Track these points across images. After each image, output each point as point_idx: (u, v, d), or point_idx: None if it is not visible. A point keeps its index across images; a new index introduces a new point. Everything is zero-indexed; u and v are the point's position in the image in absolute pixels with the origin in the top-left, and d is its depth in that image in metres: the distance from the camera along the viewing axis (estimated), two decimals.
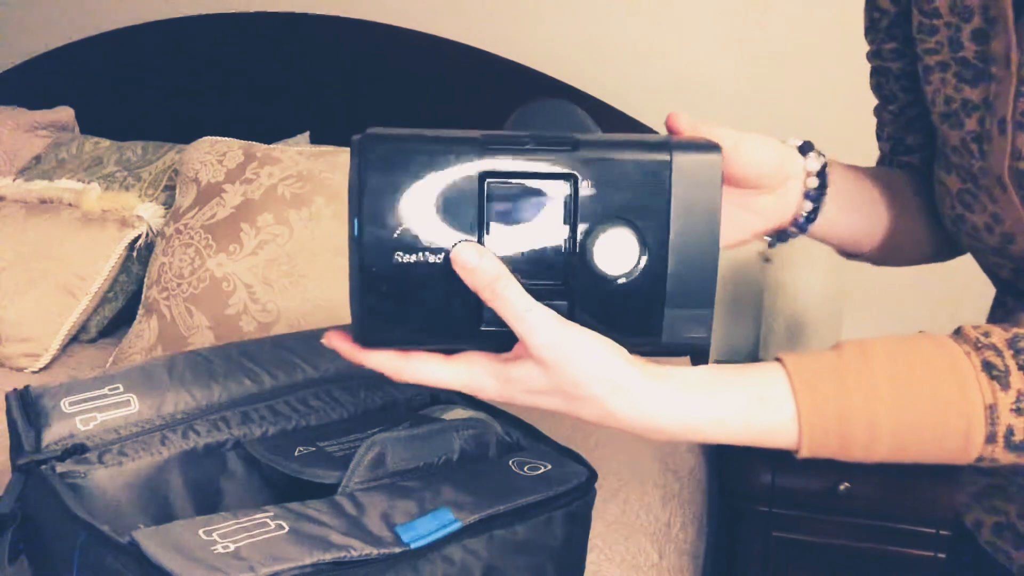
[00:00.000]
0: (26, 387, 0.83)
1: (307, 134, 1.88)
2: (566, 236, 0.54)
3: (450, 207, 0.53)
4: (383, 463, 0.76)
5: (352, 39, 1.93)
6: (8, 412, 0.82)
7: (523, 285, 0.53)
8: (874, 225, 0.78)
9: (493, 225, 0.53)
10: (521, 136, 0.54)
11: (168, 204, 1.70)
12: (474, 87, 1.85)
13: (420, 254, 0.53)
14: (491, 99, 1.83)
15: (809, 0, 1.71)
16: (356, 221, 0.52)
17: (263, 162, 1.59)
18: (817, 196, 0.71)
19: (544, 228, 0.54)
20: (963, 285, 1.72)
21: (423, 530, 0.69)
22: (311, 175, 1.55)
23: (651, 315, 0.55)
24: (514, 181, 0.53)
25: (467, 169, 0.53)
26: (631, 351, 0.56)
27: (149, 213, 1.67)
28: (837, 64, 1.70)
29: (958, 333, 0.57)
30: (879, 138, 0.85)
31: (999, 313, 0.76)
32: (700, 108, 1.77)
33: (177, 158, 1.76)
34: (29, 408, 0.81)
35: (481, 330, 0.55)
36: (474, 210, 0.53)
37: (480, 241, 0.53)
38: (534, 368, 0.54)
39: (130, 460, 0.79)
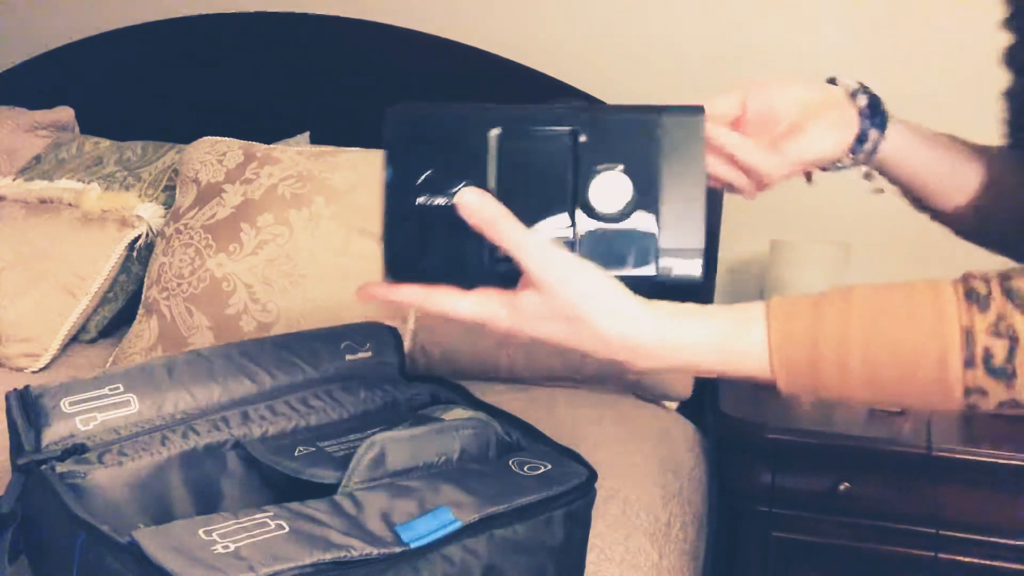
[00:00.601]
0: (26, 387, 0.83)
1: (307, 134, 1.88)
2: (568, 183, 0.61)
3: (466, 158, 0.61)
4: (383, 463, 0.76)
5: (352, 39, 1.93)
6: (8, 412, 0.82)
7: (530, 227, 0.60)
8: (958, 178, 0.79)
9: (503, 174, 0.61)
10: (530, 105, 0.64)
11: (168, 204, 1.70)
12: (474, 87, 1.85)
13: (439, 197, 0.61)
14: (491, 99, 1.83)
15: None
16: (388, 169, 0.61)
17: (263, 162, 1.59)
18: (872, 115, 0.75)
19: (549, 176, 0.61)
20: None
21: (423, 530, 0.69)
22: (311, 175, 1.55)
23: (646, 252, 0.61)
24: (522, 138, 0.62)
25: (481, 126, 0.62)
26: (628, 288, 0.60)
27: (149, 213, 1.67)
28: (835, 66, 1.70)
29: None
30: (1007, 124, 0.82)
31: None
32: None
33: (177, 158, 1.76)
34: (29, 408, 0.81)
35: (491, 265, 0.61)
36: (486, 160, 0.61)
37: (490, 187, 0.61)
38: (535, 295, 0.59)
39: (130, 460, 0.79)
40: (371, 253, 1.49)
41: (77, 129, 2.09)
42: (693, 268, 0.61)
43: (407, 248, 0.61)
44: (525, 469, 0.79)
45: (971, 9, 1.63)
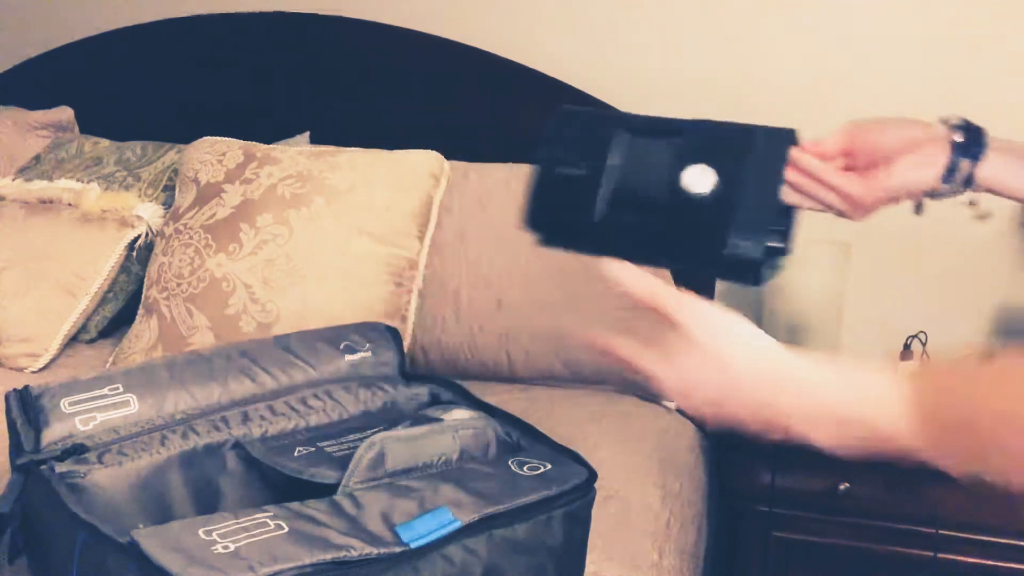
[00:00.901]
0: (26, 387, 0.83)
1: (307, 134, 1.87)
2: (668, 169, 0.74)
3: (599, 144, 0.77)
4: (383, 463, 0.76)
5: (352, 39, 1.93)
6: (8, 412, 0.82)
7: (633, 196, 0.75)
8: None
9: (625, 158, 0.77)
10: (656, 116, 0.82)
11: (168, 204, 1.70)
12: (474, 87, 1.85)
13: (573, 167, 0.77)
14: (491, 99, 1.83)
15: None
16: (543, 145, 0.80)
17: (263, 162, 1.59)
18: (966, 147, 0.82)
19: (655, 163, 0.75)
20: (964, 286, 1.72)
21: (423, 529, 0.69)
22: (311, 175, 1.55)
23: (719, 232, 0.72)
24: (641, 135, 0.78)
25: (614, 125, 0.79)
26: (701, 263, 0.77)
27: (149, 213, 1.67)
28: (824, 65, 1.70)
29: None
30: None
31: None
32: (697, 106, 1.77)
33: (177, 158, 1.75)
34: (29, 408, 0.81)
35: (609, 215, 0.76)
36: (606, 148, 0.77)
37: (612, 164, 0.77)
38: (689, 349, 0.66)
39: (130, 460, 0.79)
40: (371, 253, 1.49)
41: (77, 129, 2.09)
42: (757, 253, 0.71)
43: (546, 205, 0.79)
44: (525, 469, 0.79)
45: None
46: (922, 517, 1.33)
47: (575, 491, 0.78)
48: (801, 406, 0.63)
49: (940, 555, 1.33)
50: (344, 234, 1.49)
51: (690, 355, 0.66)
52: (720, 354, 0.65)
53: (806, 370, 0.63)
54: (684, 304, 0.67)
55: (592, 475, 0.81)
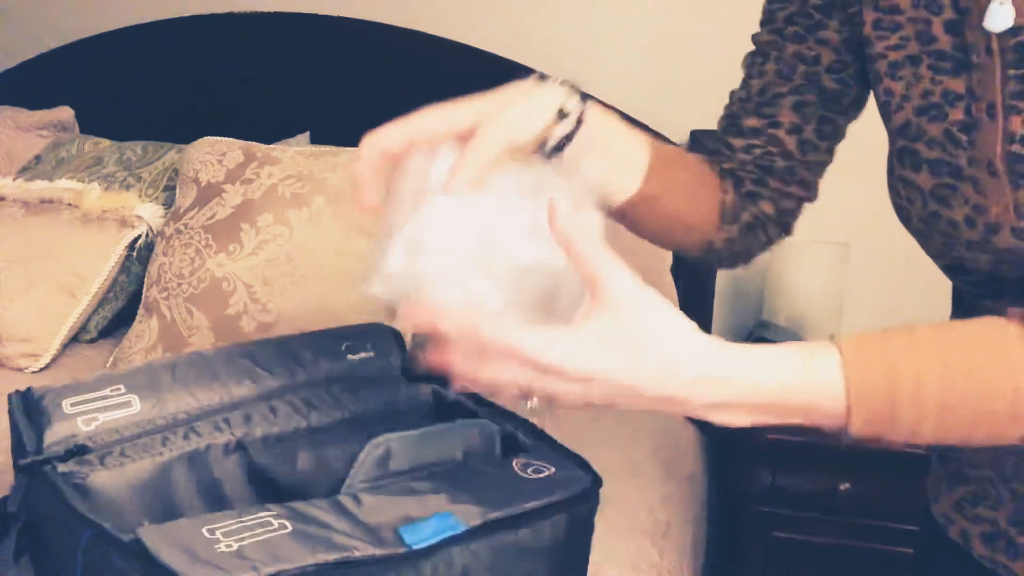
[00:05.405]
0: (28, 388, 0.82)
1: (307, 134, 1.88)
2: None
3: None
4: (387, 463, 0.76)
5: (352, 39, 1.93)
6: (10, 413, 0.82)
7: None
8: (625, 180, 0.80)
9: None
10: None
11: (168, 204, 1.70)
12: (474, 87, 1.84)
13: None
14: None
15: None
16: None
17: (263, 162, 1.59)
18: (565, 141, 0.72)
19: None
20: None
21: (426, 532, 0.69)
22: (311, 175, 1.55)
23: None
24: None
25: None
26: None
27: (149, 213, 1.67)
28: None
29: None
30: (740, 115, 0.86)
31: (959, 314, 0.79)
32: (697, 105, 1.77)
33: (177, 158, 1.75)
34: (31, 409, 0.81)
35: None
36: None
37: None
38: (599, 322, 0.56)
39: (132, 461, 0.79)
40: (370, 253, 1.49)
41: (77, 129, 2.09)
42: None
43: None
44: (529, 472, 0.79)
45: None
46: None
47: (580, 496, 0.78)
48: (728, 398, 0.57)
49: (940, 555, 1.33)
50: (344, 234, 1.49)
51: (604, 332, 0.56)
52: (650, 344, 0.55)
53: (745, 363, 0.57)
54: (614, 274, 0.56)
55: (597, 480, 0.81)
